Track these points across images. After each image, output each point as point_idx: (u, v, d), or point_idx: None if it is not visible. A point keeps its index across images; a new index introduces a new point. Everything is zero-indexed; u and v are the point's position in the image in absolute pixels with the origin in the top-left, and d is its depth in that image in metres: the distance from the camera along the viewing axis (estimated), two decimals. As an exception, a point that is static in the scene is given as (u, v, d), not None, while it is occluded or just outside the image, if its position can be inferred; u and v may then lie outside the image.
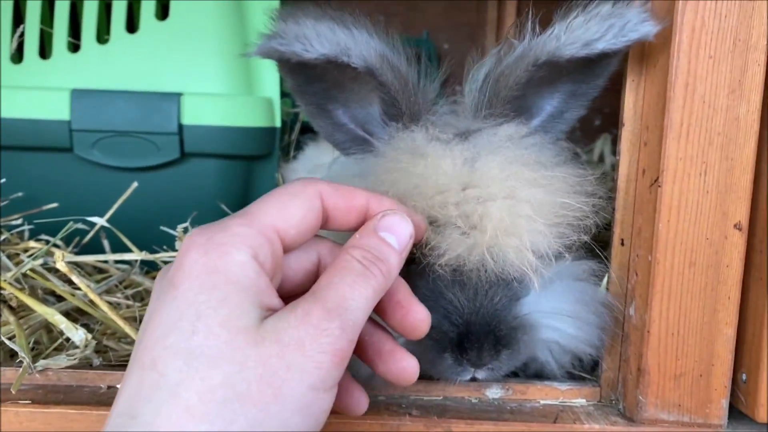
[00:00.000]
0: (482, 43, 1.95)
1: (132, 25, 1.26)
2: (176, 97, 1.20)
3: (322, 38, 0.65)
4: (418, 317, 0.55)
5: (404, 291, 0.56)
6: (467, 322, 0.66)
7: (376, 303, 0.51)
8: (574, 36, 0.66)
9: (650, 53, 0.67)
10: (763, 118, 0.63)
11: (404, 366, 0.56)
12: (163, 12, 1.24)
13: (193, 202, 1.25)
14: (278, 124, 1.31)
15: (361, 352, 0.57)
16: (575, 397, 0.72)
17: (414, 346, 0.62)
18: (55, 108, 1.18)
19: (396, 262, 0.53)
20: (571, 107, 0.74)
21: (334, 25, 0.67)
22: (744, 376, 0.67)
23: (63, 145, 1.19)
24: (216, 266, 0.46)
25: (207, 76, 1.24)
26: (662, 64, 0.64)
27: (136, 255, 0.92)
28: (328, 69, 0.69)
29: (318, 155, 1.27)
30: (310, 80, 0.72)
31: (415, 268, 0.66)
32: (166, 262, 0.99)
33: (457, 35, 1.95)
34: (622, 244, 0.70)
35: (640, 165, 0.68)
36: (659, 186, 0.64)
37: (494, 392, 0.71)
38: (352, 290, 0.48)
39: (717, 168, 0.63)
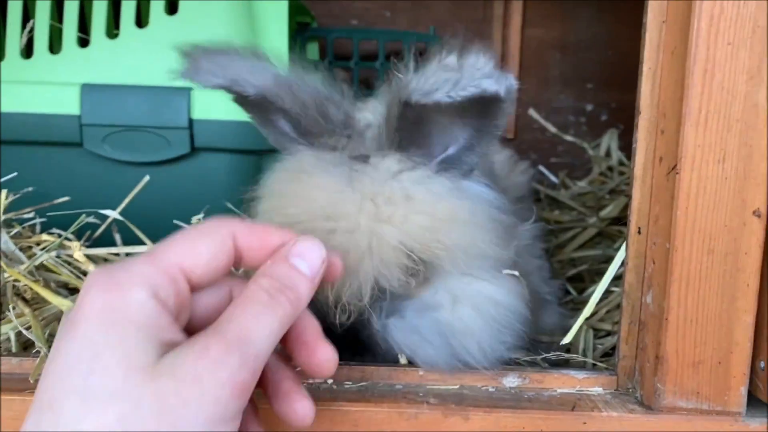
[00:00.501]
0: (489, 39, 1.95)
1: (141, 20, 1.26)
2: (186, 91, 1.20)
3: (216, 71, 0.73)
4: (324, 358, 0.56)
5: (312, 329, 0.56)
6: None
7: (284, 332, 0.51)
8: (419, 84, 0.64)
9: (667, 41, 0.67)
10: (782, 104, 0.62)
11: (296, 408, 0.55)
12: (172, 7, 1.24)
13: (203, 196, 1.25)
14: (287, 118, 1.31)
15: (261, 386, 0.56)
16: (592, 385, 0.71)
17: None
18: (65, 103, 1.18)
19: (306, 289, 0.53)
20: (482, 141, 0.73)
21: (231, 58, 0.74)
22: (762, 364, 0.67)
23: (73, 139, 1.19)
24: (114, 305, 0.46)
25: (217, 70, 1.24)
26: (680, 52, 0.64)
27: (149, 247, 0.92)
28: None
29: None
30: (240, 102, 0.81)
31: None
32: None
33: (464, 32, 1.95)
34: (639, 232, 0.70)
35: (657, 153, 0.68)
36: (677, 173, 0.64)
37: (511, 381, 0.71)
38: (256, 321, 0.48)
39: (735, 155, 0.63)
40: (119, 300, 0.46)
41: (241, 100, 0.79)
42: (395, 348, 0.71)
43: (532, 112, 1.98)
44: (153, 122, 1.20)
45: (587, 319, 0.80)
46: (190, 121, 1.20)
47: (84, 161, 1.22)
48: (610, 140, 1.93)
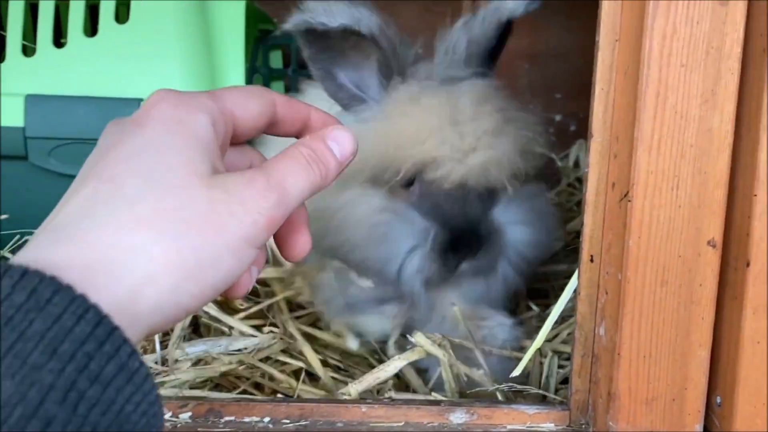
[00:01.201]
0: (458, 47, 1.92)
1: (91, 29, 1.22)
2: (137, 102, 1.15)
3: (341, 12, 0.87)
4: (302, 239, 0.62)
5: (302, 216, 0.62)
6: (459, 227, 0.90)
7: (310, 196, 0.57)
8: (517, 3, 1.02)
9: (619, 61, 0.64)
10: (737, 129, 0.60)
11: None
12: (123, 14, 1.20)
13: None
14: (244, 130, 1.27)
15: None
16: (543, 421, 0.68)
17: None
18: (9, 114, 1.13)
19: (334, 169, 0.59)
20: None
21: (347, 3, 0.90)
22: (719, 400, 0.64)
23: (17, 153, 1.14)
24: (182, 118, 0.50)
25: (169, 80, 1.19)
26: (632, 73, 0.61)
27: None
28: (336, 39, 0.91)
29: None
30: (321, 49, 0.93)
31: (415, 189, 0.92)
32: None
33: (432, 40, 1.92)
34: (592, 260, 0.67)
35: (610, 178, 0.65)
36: (629, 201, 0.60)
37: (458, 417, 0.68)
38: (293, 176, 0.54)
39: (689, 182, 0.60)
40: (187, 116, 0.50)
41: (315, 55, 0.93)
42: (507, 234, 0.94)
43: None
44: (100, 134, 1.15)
45: (543, 344, 0.77)
46: (141, 134, 1.16)
47: (29, 175, 1.17)
48: (578, 151, 1.90)
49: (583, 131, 1.95)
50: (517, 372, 0.71)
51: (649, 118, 0.59)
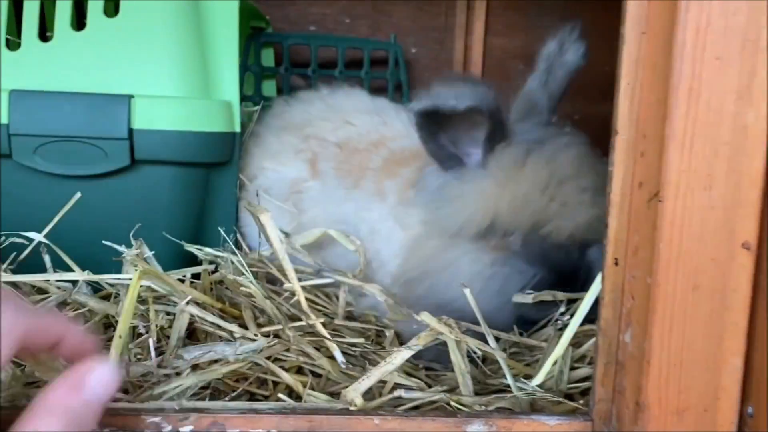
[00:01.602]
0: (451, 47, 1.89)
1: (79, 22, 1.17)
2: (126, 99, 1.11)
3: (467, 95, 0.93)
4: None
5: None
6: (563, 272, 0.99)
7: None
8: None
9: (647, 55, 0.61)
10: (774, 126, 0.57)
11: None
12: (114, 8, 1.15)
13: (144, 214, 1.16)
14: (238, 129, 1.22)
15: None
16: (565, 432, 0.65)
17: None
18: (-8, 110, 1.08)
19: (91, 414, 0.56)
20: None
21: (468, 85, 0.97)
22: (751, 410, 0.61)
23: (1, 151, 1.09)
24: None
25: (160, 77, 1.15)
26: (662, 67, 0.58)
27: (78, 275, 0.82)
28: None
29: None
30: (433, 120, 0.99)
31: (516, 239, 1.00)
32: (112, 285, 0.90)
33: (425, 39, 1.89)
34: (616, 263, 0.64)
35: (637, 177, 0.62)
36: (660, 201, 0.57)
37: (476, 428, 0.64)
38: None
39: (723, 182, 0.57)
40: None
41: (427, 124, 1.00)
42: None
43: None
44: (89, 132, 1.10)
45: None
46: (131, 131, 1.11)
47: (13, 174, 1.11)
48: (574, 153, 1.88)
49: (577, 132, 1.93)
50: (538, 380, 0.68)
51: (681, 115, 0.56)
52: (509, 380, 0.74)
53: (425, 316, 0.83)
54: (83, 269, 1.01)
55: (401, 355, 0.78)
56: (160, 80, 1.15)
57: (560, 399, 0.69)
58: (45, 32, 1.15)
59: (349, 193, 1.23)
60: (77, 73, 1.12)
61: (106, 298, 0.98)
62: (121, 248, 0.96)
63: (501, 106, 1.00)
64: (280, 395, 0.75)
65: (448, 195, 1.03)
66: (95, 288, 0.99)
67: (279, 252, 0.97)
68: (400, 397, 0.74)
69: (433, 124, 1.00)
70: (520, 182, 0.98)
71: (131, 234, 1.03)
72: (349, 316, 1.11)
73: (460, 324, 0.84)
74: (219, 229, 1.21)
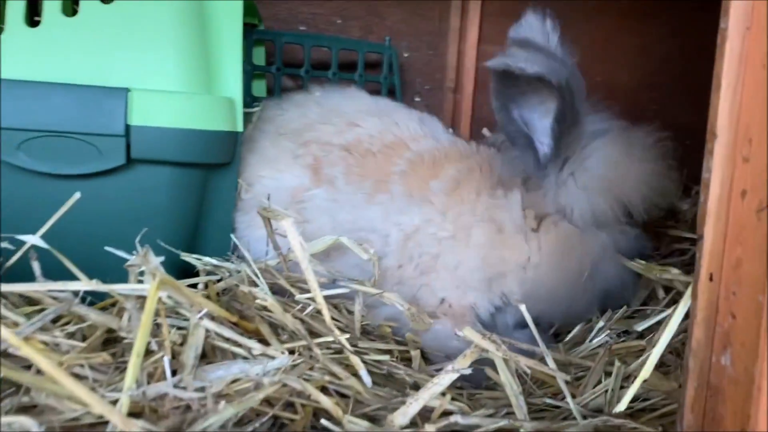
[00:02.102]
0: (445, 53, 1.84)
1: (72, 7, 1.07)
2: (123, 92, 1.01)
3: (540, 61, 0.97)
4: None
5: None
6: None
7: None
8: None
9: (752, 51, 0.56)
10: None
11: None
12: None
13: (138, 218, 1.07)
14: (240, 128, 1.14)
15: None
16: (652, 464, 0.59)
17: None
18: (-27, 101, 0.97)
19: None
20: None
21: (544, 53, 1.01)
22: None
23: (-20, 145, 0.98)
24: None
25: (160, 70, 1.06)
26: (773, 65, 0.53)
27: (84, 284, 0.73)
28: (523, 81, 1.01)
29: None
30: (507, 85, 1.05)
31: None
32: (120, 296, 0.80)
33: (418, 44, 1.83)
34: (711, 279, 0.59)
35: (738, 185, 0.57)
36: (770, 211, 0.53)
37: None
38: None
39: (841, 190, 0.52)
40: None
41: (500, 90, 1.06)
42: None
43: (485, 132, 1.88)
44: (81, 127, 1.01)
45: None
46: (127, 128, 1.02)
47: (-7, 172, 1.01)
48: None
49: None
50: (621, 407, 0.62)
51: (796, 117, 0.52)
52: (572, 407, 0.68)
53: (468, 332, 0.77)
54: (72, 276, 0.91)
55: (448, 377, 0.72)
56: (159, 73, 1.06)
57: (636, 425, 0.63)
58: (34, 16, 1.05)
59: (372, 198, 1.15)
60: (68, 63, 1.03)
61: (101, 309, 0.89)
62: (125, 255, 0.87)
63: (574, 88, 0.99)
64: (324, 422, 0.67)
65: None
66: (92, 302, 0.89)
67: (303, 262, 0.89)
68: (455, 423, 0.67)
69: (506, 94, 1.05)
70: (626, 169, 1.08)
71: (136, 240, 0.94)
72: (365, 330, 1.04)
73: (505, 340, 0.77)
74: (231, 236, 1.13)
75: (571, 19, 1.93)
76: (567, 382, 0.81)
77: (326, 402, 0.70)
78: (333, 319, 1.01)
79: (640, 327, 0.93)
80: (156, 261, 0.83)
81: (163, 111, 1.04)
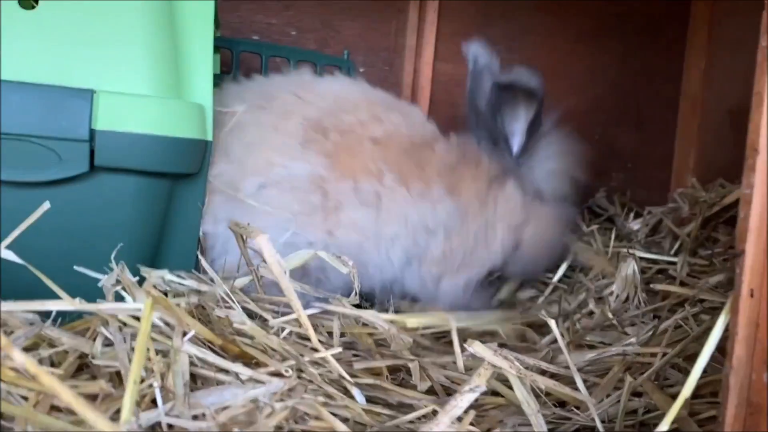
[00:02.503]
0: (400, 69, 1.82)
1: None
2: (88, 94, 0.94)
3: (536, 78, 1.24)
4: None
5: None
6: None
7: None
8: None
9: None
10: None
11: None
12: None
13: (99, 230, 0.98)
14: (210, 137, 1.07)
15: None
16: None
17: None
18: None
19: None
20: None
21: (534, 71, 1.26)
22: None
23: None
24: None
25: (127, 71, 0.99)
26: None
27: (67, 303, 0.65)
28: (519, 93, 1.29)
29: None
30: (502, 97, 1.31)
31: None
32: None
33: (374, 60, 1.81)
34: (752, 295, 0.58)
35: (781, 201, 0.57)
36: (821, 227, 0.53)
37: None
38: None
39: None
40: None
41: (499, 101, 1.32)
42: None
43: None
44: (40, 131, 0.92)
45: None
46: (92, 132, 0.94)
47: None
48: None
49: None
50: (663, 427, 0.60)
51: None
52: (599, 427, 0.66)
53: (478, 348, 0.73)
54: (25, 295, 0.81)
55: (467, 397, 0.68)
56: (126, 74, 0.98)
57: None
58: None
59: (424, 197, 1.22)
60: (27, 60, 0.94)
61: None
62: (96, 275, 0.79)
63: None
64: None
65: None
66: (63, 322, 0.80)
67: (282, 282, 0.84)
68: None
69: (498, 104, 1.29)
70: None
71: (112, 255, 0.86)
72: (346, 344, 1.00)
73: (518, 357, 0.75)
74: (197, 253, 1.06)
75: (524, 42, 1.97)
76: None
77: (341, 427, 0.65)
78: (304, 338, 0.96)
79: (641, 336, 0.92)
80: (132, 279, 0.76)
81: (132, 115, 0.96)
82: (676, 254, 1.47)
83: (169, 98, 1.01)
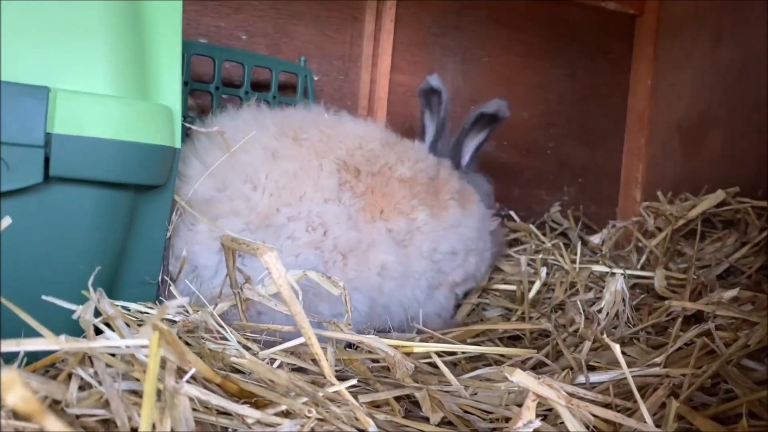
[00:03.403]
0: (356, 79, 1.74)
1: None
2: (43, 92, 0.80)
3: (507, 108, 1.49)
4: None
5: None
6: None
7: None
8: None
9: None
10: None
11: None
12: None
13: (54, 251, 0.84)
14: (179, 144, 0.95)
15: None
16: None
17: None
18: None
19: None
20: None
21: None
22: None
23: None
24: None
25: (88, 67, 0.86)
26: None
27: (51, 342, 0.52)
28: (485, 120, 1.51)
29: None
30: (479, 123, 1.51)
31: None
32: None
33: (329, 68, 1.72)
34: None
35: None
36: None
37: None
38: None
39: None
40: None
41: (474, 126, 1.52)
42: None
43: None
44: (-15, 134, 0.78)
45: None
46: (48, 137, 0.80)
47: None
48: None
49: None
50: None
51: None
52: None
53: (520, 376, 0.65)
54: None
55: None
56: (87, 71, 0.86)
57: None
58: None
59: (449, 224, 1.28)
60: (-32, 51, 0.79)
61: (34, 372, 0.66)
62: (69, 305, 0.66)
63: None
64: None
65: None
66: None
67: (293, 306, 0.73)
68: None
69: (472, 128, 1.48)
70: None
71: (93, 280, 0.73)
72: (339, 375, 0.90)
73: (565, 387, 0.68)
74: (168, 281, 0.93)
75: (477, 56, 1.93)
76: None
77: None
78: (296, 370, 0.86)
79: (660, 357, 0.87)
80: (110, 309, 0.64)
81: (94, 118, 0.83)
82: (643, 268, 1.46)
83: (135, 99, 0.89)
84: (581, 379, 0.87)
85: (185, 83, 1.38)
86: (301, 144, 1.10)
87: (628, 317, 1.15)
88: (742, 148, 1.73)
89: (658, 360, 0.84)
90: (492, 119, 1.46)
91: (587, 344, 1.07)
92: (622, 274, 1.15)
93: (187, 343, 0.73)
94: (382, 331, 1.14)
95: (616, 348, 0.68)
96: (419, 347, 0.85)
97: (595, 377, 0.87)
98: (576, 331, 1.17)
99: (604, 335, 0.99)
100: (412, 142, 1.36)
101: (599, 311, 1.15)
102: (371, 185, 1.14)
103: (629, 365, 0.88)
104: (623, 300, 1.16)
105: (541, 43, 1.98)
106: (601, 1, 2.03)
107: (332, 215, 1.06)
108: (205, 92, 1.44)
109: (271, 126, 1.12)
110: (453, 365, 1.08)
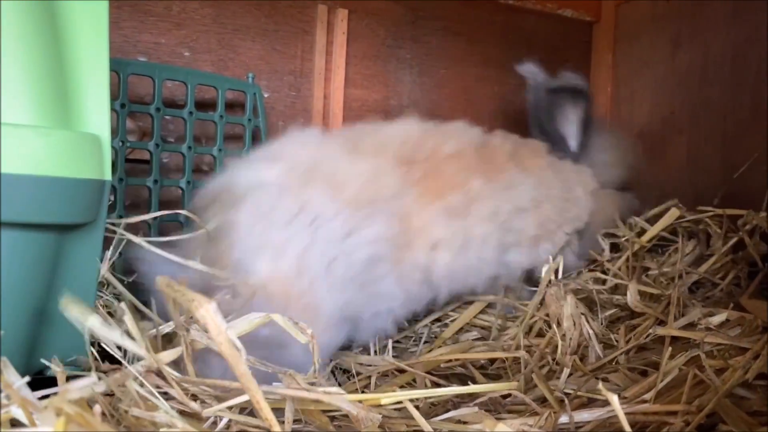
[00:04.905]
0: (308, 95, 1.65)
1: None
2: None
3: (583, 80, 1.59)
4: None
5: None
6: None
7: None
8: None
9: None
10: None
11: None
12: None
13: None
14: (109, 176, 0.85)
15: None
16: None
17: None
18: None
19: None
20: None
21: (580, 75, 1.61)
22: None
23: None
24: None
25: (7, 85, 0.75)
26: None
27: None
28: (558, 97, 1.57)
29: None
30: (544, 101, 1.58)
31: None
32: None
33: (279, 84, 1.63)
34: None
35: None
36: None
37: None
38: None
39: None
40: None
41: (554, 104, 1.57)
42: None
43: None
44: None
45: None
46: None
47: None
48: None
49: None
50: None
51: None
52: None
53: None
54: None
55: None
56: (7, 91, 0.75)
57: None
58: None
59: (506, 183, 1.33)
60: None
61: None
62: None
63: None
64: None
65: None
66: None
67: (238, 368, 0.64)
68: None
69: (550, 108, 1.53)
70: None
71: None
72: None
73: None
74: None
75: (435, 67, 1.86)
76: None
77: None
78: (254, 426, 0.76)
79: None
80: (20, 381, 0.54)
81: (6, 150, 0.73)
82: (614, 289, 1.41)
83: (56, 128, 0.78)
84: (564, 418, 0.80)
85: (122, 105, 1.27)
86: (357, 152, 1.16)
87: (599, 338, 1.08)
88: (707, 153, 1.69)
89: (647, 396, 0.77)
90: (575, 97, 1.52)
91: (566, 372, 1.00)
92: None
93: (110, 414, 0.63)
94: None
95: (614, 398, 0.60)
96: (386, 398, 0.77)
97: (579, 416, 0.79)
98: (553, 359, 1.10)
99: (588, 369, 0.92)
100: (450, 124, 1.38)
101: (563, 336, 1.09)
102: (425, 170, 1.19)
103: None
104: (587, 320, 1.10)
105: (499, 53, 1.92)
106: (558, 8, 1.99)
107: (400, 206, 1.12)
108: (146, 114, 1.34)
109: (332, 143, 1.18)
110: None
